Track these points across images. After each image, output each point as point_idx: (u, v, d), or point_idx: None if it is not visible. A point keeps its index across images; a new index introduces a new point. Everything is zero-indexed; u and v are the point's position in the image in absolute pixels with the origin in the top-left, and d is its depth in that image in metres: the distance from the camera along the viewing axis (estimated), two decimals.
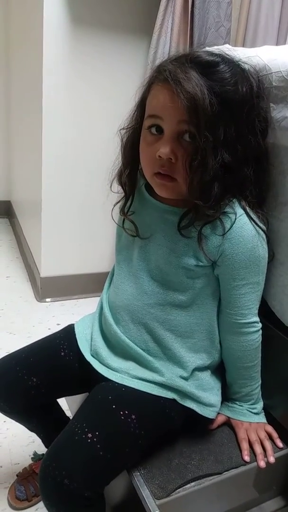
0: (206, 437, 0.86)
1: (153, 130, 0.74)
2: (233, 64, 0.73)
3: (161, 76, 0.71)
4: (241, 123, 0.72)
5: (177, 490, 0.75)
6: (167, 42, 1.58)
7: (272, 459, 0.82)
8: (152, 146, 0.74)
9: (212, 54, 0.73)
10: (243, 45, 1.70)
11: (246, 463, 0.81)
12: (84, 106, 1.80)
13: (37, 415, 0.97)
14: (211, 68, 0.70)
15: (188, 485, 0.76)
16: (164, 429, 0.81)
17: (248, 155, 0.74)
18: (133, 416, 0.75)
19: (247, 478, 0.83)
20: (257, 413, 0.87)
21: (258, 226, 0.76)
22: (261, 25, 1.66)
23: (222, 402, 0.88)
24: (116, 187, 0.86)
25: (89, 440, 0.70)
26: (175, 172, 0.73)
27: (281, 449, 0.85)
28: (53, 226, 1.94)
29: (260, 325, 0.83)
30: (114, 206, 0.89)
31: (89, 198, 1.93)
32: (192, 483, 0.77)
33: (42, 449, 1.12)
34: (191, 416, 0.83)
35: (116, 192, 0.87)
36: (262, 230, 0.77)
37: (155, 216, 0.82)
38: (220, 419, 0.88)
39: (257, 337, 0.83)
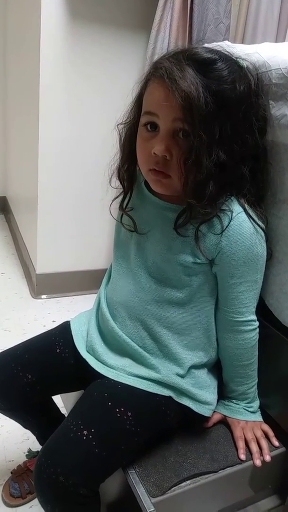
0: (202, 435, 0.86)
1: (149, 127, 0.73)
2: (231, 62, 0.72)
3: (157, 73, 0.70)
4: (238, 122, 0.71)
5: (173, 488, 0.75)
6: (165, 38, 1.57)
7: (268, 458, 0.82)
8: (148, 143, 0.73)
9: (210, 51, 0.72)
10: (243, 42, 1.69)
11: (242, 461, 0.81)
12: (82, 101, 1.79)
13: (32, 412, 0.97)
14: (208, 66, 0.69)
15: (184, 483, 0.76)
16: (160, 427, 0.81)
17: (245, 154, 0.74)
18: (129, 413, 0.75)
19: (242, 476, 0.83)
20: (253, 412, 0.87)
21: (257, 224, 0.76)
22: (260, 22, 1.65)
23: (218, 401, 0.88)
24: (115, 182, 0.86)
25: (84, 437, 0.70)
26: (169, 169, 0.72)
27: (277, 448, 0.85)
28: (49, 222, 1.93)
29: (257, 323, 0.83)
30: (113, 201, 0.89)
31: (85, 194, 1.92)
32: (188, 481, 0.77)
33: (36, 446, 1.12)
34: (187, 414, 0.82)
35: (115, 187, 0.87)
36: (261, 228, 0.77)
37: (154, 212, 0.82)
38: (216, 417, 0.88)
39: (254, 335, 0.83)
